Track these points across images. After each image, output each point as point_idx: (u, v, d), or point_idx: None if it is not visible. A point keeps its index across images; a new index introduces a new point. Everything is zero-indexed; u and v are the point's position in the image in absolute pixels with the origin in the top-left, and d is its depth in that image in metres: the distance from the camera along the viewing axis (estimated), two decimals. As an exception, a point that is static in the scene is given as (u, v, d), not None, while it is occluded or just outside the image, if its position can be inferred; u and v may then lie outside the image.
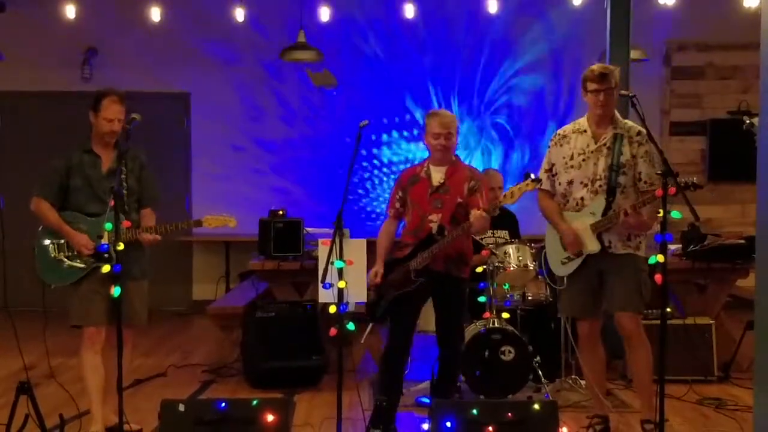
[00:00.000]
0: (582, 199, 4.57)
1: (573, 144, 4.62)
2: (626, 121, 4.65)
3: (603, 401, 4.84)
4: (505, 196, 4.32)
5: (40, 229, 4.65)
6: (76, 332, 4.65)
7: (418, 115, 9.16)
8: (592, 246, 4.52)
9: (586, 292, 4.63)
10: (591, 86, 4.49)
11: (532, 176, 4.35)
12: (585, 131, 4.61)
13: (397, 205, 4.82)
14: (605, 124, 4.56)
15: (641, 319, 4.62)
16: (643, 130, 4.53)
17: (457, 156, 4.79)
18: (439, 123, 4.65)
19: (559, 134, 4.73)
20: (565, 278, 4.73)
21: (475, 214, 4.40)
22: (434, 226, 4.57)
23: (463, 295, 4.83)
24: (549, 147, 4.76)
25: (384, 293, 4.65)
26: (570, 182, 4.61)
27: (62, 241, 4.59)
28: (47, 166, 4.65)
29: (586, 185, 4.55)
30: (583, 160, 4.56)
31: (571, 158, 4.61)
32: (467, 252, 4.73)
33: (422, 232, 4.61)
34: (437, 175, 4.69)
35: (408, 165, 8.28)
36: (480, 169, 8.92)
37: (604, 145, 4.53)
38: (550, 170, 4.72)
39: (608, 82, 4.45)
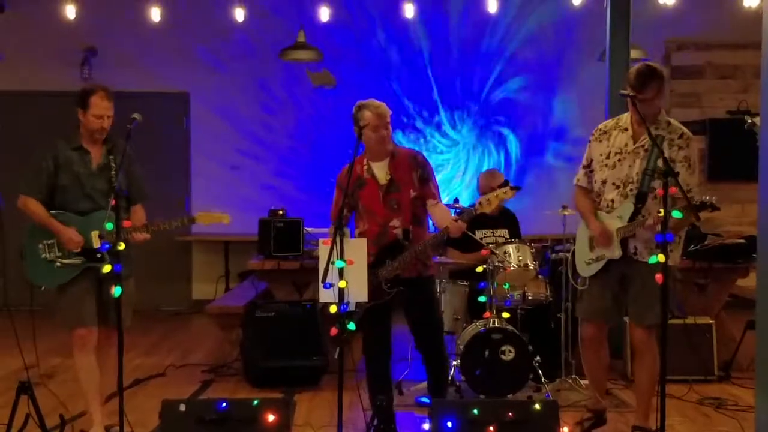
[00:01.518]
0: (612, 201, 4.45)
1: (612, 141, 4.48)
2: (671, 120, 4.44)
3: (600, 399, 4.83)
4: (481, 203, 4.20)
5: (27, 229, 4.55)
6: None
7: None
8: (614, 251, 4.42)
9: (605, 296, 4.56)
10: (629, 91, 4.27)
11: (511, 184, 4.21)
12: (626, 129, 4.45)
13: (345, 211, 4.46)
14: (647, 123, 4.28)
15: (655, 330, 4.46)
16: (688, 132, 4.38)
17: (393, 143, 4.56)
18: (376, 114, 4.39)
19: (600, 129, 4.58)
20: (587, 279, 4.66)
21: (434, 210, 4.35)
22: (398, 231, 4.45)
23: (435, 292, 4.76)
24: (589, 142, 4.62)
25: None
26: (604, 182, 4.49)
27: (52, 242, 4.49)
28: (34, 164, 4.53)
29: (618, 187, 4.43)
30: (619, 160, 4.43)
31: (608, 157, 4.47)
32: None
33: (386, 238, 4.46)
34: (381, 172, 4.48)
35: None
36: (481, 168, 9.03)
37: (642, 146, 4.37)
38: (588, 166, 4.60)
39: (647, 92, 4.24)
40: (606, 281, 4.54)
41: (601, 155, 4.51)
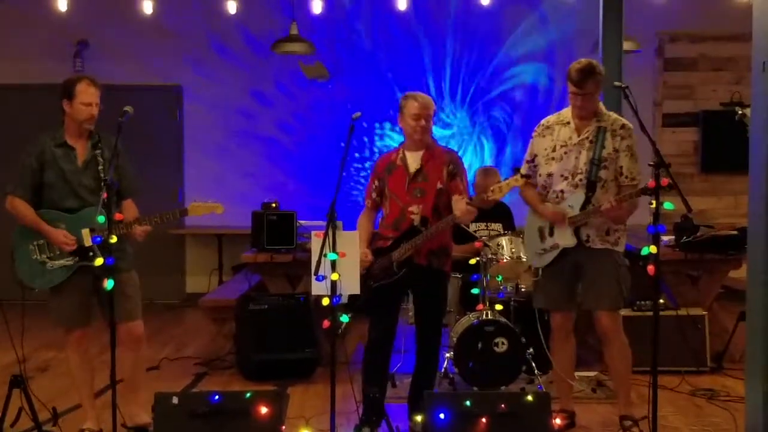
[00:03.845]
0: (562, 192, 4.54)
1: (556, 136, 4.60)
2: (611, 113, 4.60)
3: (570, 396, 4.88)
4: (493, 191, 4.26)
5: (16, 230, 4.46)
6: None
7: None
8: (569, 240, 4.51)
9: (561, 284, 4.63)
10: (570, 87, 4.47)
11: (522, 172, 4.32)
12: (568, 123, 4.58)
13: (374, 195, 4.73)
14: (589, 117, 4.53)
15: (620, 316, 4.63)
16: (628, 124, 4.53)
17: (433, 139, 4.70)
18: (419, 104, 4.54)
19: (542, 125, 4.70)
20: (540, 270, 4.73)
21: (458, 204, 4.33)
22: (416, 218, 4.49)
23: (445, 288, 4.78)
24: (532, 137, 4.73)
25: (364, 283, 4.43)
26: (550, 174, 4.59)
27: (43, 242, 4.40)
28: (19, 163, 4.43)
29: (566, 178, 4.53)
30: (565, 152, 4.54)
31: (553, 150, 4.58)
32: (449, 244, 4.67)
33: (403, 223, 4.53)
34: (413, 161, 4.58)
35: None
36: (477, 160, 9.04)
37: (587, 138, 4.50)
38: (532, 161, 4.71)
39: (587, 88, 4.39)
40: (561, 270, 4.61)
41: (545, 149, 4.62)
